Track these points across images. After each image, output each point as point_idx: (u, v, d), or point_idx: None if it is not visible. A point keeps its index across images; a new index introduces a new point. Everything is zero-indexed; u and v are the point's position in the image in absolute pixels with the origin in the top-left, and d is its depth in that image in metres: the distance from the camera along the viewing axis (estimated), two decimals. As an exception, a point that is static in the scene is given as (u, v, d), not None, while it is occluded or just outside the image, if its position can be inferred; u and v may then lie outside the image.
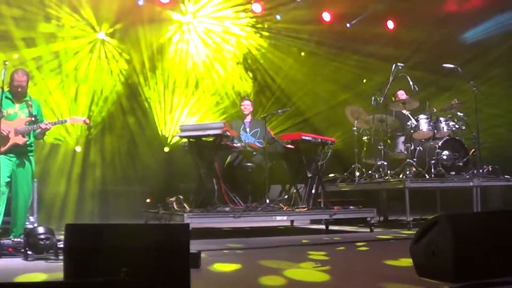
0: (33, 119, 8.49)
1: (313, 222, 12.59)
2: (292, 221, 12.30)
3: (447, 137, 11.76)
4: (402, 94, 12.60)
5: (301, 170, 10.92)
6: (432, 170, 11.38)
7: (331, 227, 11.40)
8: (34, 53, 14.66)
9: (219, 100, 17.33)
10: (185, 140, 10.49)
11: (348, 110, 12.66)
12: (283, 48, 17.70)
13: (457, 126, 11.89)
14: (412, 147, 11.87)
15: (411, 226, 10.54)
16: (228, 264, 6.41)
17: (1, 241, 7.07)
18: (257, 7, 16.50)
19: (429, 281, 4.88)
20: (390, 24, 17.20)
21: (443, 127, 11.84)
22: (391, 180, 11.49)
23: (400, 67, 12.03)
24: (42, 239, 6.89)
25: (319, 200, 11.28)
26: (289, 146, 10.79)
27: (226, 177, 10.39)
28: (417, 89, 11.78)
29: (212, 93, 17.29)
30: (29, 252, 6.84)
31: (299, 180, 11.09)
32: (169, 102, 16.87)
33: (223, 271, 6.02)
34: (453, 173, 11.53)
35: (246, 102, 11.78)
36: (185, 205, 9.93)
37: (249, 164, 10.65)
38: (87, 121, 9.06)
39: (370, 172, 12.19)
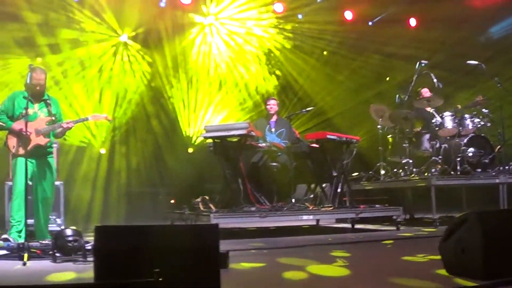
0: (53, 118, 8.47)
1: (339, 221, 12.58)
2: (317, 220, 12.30)
3: (473, 134, 11.67)
4: (426, 92, 12.53)
5: (326, 169, 10.90)
6: (458, 167, 11.30)
7: (357, 226, 11.40)
8: (58, 58, 14.78)
9: (242, 100, 17.36)
10: (210, 140, 10.47)
11: (373, 108, 12.63)
12: (305, 47, 17.66)
13: (482, 123, 11.77)
14: (437, 145, 11.81)
15: (438, 224, 10.51)
16: (253, 263, 6.43)
17: (29, 243, 7.07)
18: (279, 7, 16.47)
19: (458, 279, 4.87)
20: (413, 22, 17.11)
21: (468, 124, 11.73)
22: (417, 178, 11.45)
23: (423, 65, 11.97)
24: (70, 241, 6.90)
25: (344, 199, 11.27)
26: (314, 145, 10.77)
27: (251, 177, 10.37)
28: (441, 86, 11.72)
29: (236, 94, 17.32)
30: (58, 254, 6.83)
31: (324, 179, 11.09)
32: (193, 103, 16.93)
33: (249, 270, 6.05)
34: (479, 170, 11.44)
35: (272, 102, 11.73)
36: (211, 205, 9.94)
37: (274, 164, 10.65)
38: (109, 117, 9.07)
39: (395, 170, 12.16)
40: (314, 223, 12.26)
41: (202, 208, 9.91)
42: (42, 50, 14.47)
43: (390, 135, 12.64)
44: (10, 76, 13.52)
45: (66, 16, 14.74)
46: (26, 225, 8.09)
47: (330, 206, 10.46)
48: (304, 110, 12.40)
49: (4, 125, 8.33)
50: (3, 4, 13.54)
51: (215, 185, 12.91)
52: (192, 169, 16.29)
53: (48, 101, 8.53)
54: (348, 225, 11.65)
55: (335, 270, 5.85)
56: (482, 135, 11.79)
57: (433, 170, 11.39)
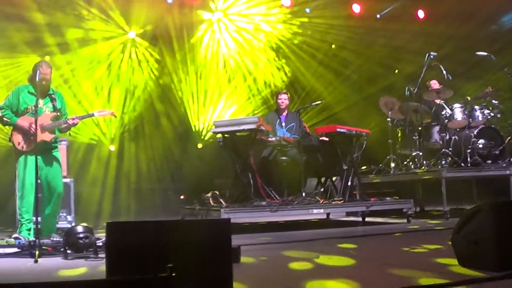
0: (58, 113, 8.36)
1: (349, 214, 12.56)
2: (328, 214, 12.28)
3: (483, 126, 11.63)
4: (435, 84, 12.49)
5: (336, 163, 10.91)
6: (468, 159, 11.29)
7: (368, 219, 11.39)
8: (67, 57, 14.84)
9: (251, 96, 17.35)
10: (219, 135, 10.47)
11: (382, 101, 12.60)
12: (313, 41, 17.63)
13: (492, 114, 11.74)
14: (447, 137, 11.78)
15: (448, 216, 10.49)
16: (265, 257, 6.44)
17: (41, 240, 7.06)
18: (286, 1, 16.42)
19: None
20: (421, 14, 17.04)
21: (478, 116, 11.69)
22: (427, 170, 11.41)
23: (432, 57, 11.93)
24: (81, 238, 6.89)
25: (354, 192, 11.25)
26: (324, 138, 10.74)
27: (261, 171, 10.37)
28: (450, 78, 11.69)
29: (244, 89, 17.32)
30: (69, 251, 6.85)
31: (335, 173, 11.08)
32: (202, 98, 16.95)
33: (260, 264, 6.06)
34: (489, 161, 11.41)
35: (284, 96, 11.68)
36: (221, 200, 9.93)
37: (284, 158, 10.64)
38: (115, 113, 8.90)
39: (405, 163, 12.12)
40: (324, 216, 12.24)
41: (212, 203, 9.91)
42: (51, 49, 14.53)
43: (399, 128, 12.61)
44: (20, 75, 13.53)
45: (74, 15, 14.76)
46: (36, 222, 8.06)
47: (341, 200, 10.44)
48: (313, 103, 12.38)
49: (8, 120, 8.22)
50: (12, 6, 13.63)
51: (225, 180, 12.91)
52: (202, 165, 16.31)
53: (53, 95, 8.39)
54: (359, 219, 11.62)
55: (340, 260, 5.99)
56: (492, 126, 11.76)
57: (443, 162, 11.36)
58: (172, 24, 16.11)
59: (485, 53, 12.18)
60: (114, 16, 15.36)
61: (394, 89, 15.22)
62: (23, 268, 6.20)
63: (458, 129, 11.88)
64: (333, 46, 17.93)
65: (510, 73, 12.05)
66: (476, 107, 11.77)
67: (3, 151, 13.45)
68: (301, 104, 15.92)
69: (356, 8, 16.74)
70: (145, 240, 4.13)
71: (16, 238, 7.76)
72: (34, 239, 7.05)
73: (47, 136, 8.25)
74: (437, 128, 12.05)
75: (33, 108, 7.92)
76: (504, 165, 11.36)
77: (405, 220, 10.53)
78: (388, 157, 12.35)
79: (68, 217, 10.69)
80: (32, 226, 8.08)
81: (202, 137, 16.97)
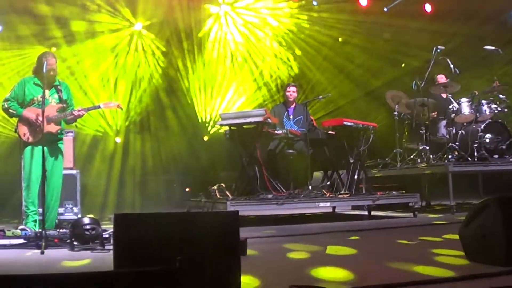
0: (64, 105, 8.33)
1: (355, 208, 12.55)
2: (334, 208, 12.26)
3: (490, 120, 11.60)
4: (441, 78, 12.48)
5: (343, 156, 10.90)
6: (475, 153, 11.26)
7: (374, 213, 11.38)
8: (73, 49, 14.84)
9: (258, 89, 17.34)
10: (226, 128, 10.46)
11: (389, 95, 12.59)
12: (320, 34, 17.59)
13: (499, 108, 11.69)
14: (454, 131, 11.76)
15: (455, 210, 10.47)
16: (271, 250, 6.48)
17: (47, 232, 7.05)
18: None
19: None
20: (428, 8, 16.97)
21: (485, 110, 11.65)
22: (434, 164, 11.39)
23: (439, 51, 11.89)
24: (87, 230, 6.90)
25: (360, 186, 11.24)
26: (331, 132, 10.73)
27: (268, 164, 10.38)
28: (458, 72, 11.66)
29: (251, 82, 17.30)
30: (75, 243, 6.85)
31: (341, 166, 11.07)
32: (209, 91, 16.95)
33: (266, 257, 6.08)
34: (496, 156, 11.38)
35: (292, 89, 11.63)
36: (227, 193, 9.92)
37: (290, 151, 10.62)
38: (121, 105, 8.87)
39: (412, 157, 12.11)
40: (330, 210, 12.22)
41: (218, 196, 9.89)
42: (57, 41, 14.56)
43: (406, 122, 12.58)
44: (27, 66, 13.53)
45: (80, 7, 14.74)
46: (43, 214, 8.05)
47: (347, 193, 10.43)
48: (321, 96, 12.38)
49: (14, 112, 8.22)
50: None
51: (231, 173, 12.92)
52: (208, 157, 16.31)
53: (59, 87, 8.35)
54: (365, 212, 11.61)
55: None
56: (499, 121, 11.72)
57: (450, 156, 11.33)
58: (178, 17, 16.07)
59: (493, 47, 12.15)
60: (120, 8, 15.35)
61: (401, 83, 15.17)
62: (29, 259, 6.22)
63: (465, 124, 11.85)
64: (340, 39, 17.87)
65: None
66: (483, 101, 11.73)
67: (8, 142, 13.50)
68: (307, 97, 15.91)
69: (363, 1, 16.66)
70: (153, 232, 4.11)
71: (22, 230, 7.74)
72: (40, 230, 7.05)
73: (52, 128, 8.23)
74: (444, 122, 12.03)
75: (39, 99, 7.97)
76: (511, 159, 11.31)
77: (411, 214, 10.51)
78: (394, 151, 12.33)
79: (74, 208, 10.70)
80: (38, 217, 8.08)
81: (209, 129, 16.96)
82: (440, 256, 5.52)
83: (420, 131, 11.97)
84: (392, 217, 10.95)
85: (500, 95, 11.81)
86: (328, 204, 10.28)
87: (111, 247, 5.65)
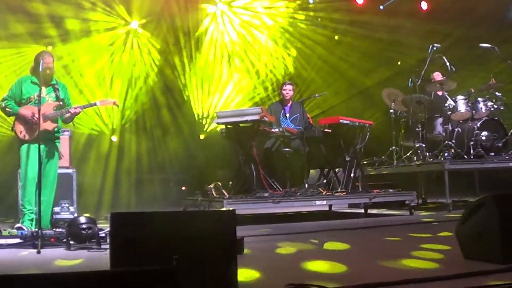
0: (61, 103, 8.36)
1: (351, 206, 12.56)
2: (330, 206, 12.25)
3: (486, 118, 11.58)
4: (438, 76, 12.48)
5: (339, 154, 10.90)
6: (471, 151, 11.26)
7: (370, 211, 11.38)
8: (69, 47, 14.82)
9: (254, 87, 17.34)
10: (222, 126, 10.46)
11: (385, 92, 12.61)
12: (316, 32, 17.59)
13: (495, 106, 11.70)
14: (450, 129, 11.74)
15: (451, 208, 10.48)
16: (268, 248, 6.48)
17: (43, 231, 7.04)
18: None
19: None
20: (424, 5, 16.97)
21: (481, 108, 11.66)
22: (430, 162, 11.40)
23: (435, 48, 11.90)
24: (84, 229, 6.90)
25: (356, 184, 11.24)
26: (327, 130, 10.74)
27: (264, 162, 10.36)
28: (454, 69, 11.67)
29: (247, 81, 17.30)
30: (72, 242, 6.84)
31: (337, 164, 11.07)
32: (206, 89, 16.93)
33: (263, 255, 6.08)
34: (493, 154, 11.37)
35: (288, 87, 11.60)
36: (223, 191, 9.91)
37: (287, 149, 10.62)
38: (117, 102, 8.87)
39: (408, 154, 12.11)
40: (326, 208, 12.22)
41: (215, 194, 9.88)
42: (53, 39, 14.53)
43: (402, 120, 12.58)
44: (24, 64, 13.52)
45: (75, 6, 14.72)
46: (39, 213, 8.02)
47: (343, 191, 10.44)
48: (317, 94, 12.39)
49: (11, 110, 8.28)
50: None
51: (227, 171, 12.92)
52: (204, 156, 16.31)
53: (56, 86, 8.43)
54: (361, 210, 11.62)
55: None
56: (495, 118, 11.71)
57: (446, 154, 11.34)
58: (174, 15, 16.07)
59: (489, 45, 12.15)
60: (115, 6, 15.34)
61: (397, 81, 15.17)
62: (25, 259, 6.21)
63: (461, 121, 11.85)
64: (336, 37, 17.87)
65: (514, 65, 12.03)
66: (480, 99, 11.75)
67: (5, 141, 13.48)
68: (303, 95, 15.92)
69: (360, -1, 16.70)
70: (149, 231, 4.11)
71: (18, 229, 7.75)
72: (37, 229, 7.04)
73: (49, 125, 8.26)
74: (440, 120, 12.02)
75: (35, 97, 8.01)
76: (507, 157, 11.31)
77: (408, 212, 10.52)
78: (390, 149, 12.34)
79: (70, 207, 10.65)
80: (34, 216, 8.07)
81: (205, 128, 16.94)
82: (430, 252, 5.56)
83: (416, 129, 11.98)
84: (388, 215, 10.96)
85: (496, 93, 11.82)
86: (324, 202, 10.26)
87: (107, 246, 5.65)
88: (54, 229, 7.77)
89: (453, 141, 11.55)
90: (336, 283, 4.18)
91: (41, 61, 7.97)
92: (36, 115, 7.76)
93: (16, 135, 8.30)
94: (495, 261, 4.67)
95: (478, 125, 11.35)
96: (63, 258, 6.02)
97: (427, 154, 11.54)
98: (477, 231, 4.95)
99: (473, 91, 11.97)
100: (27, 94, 8.29)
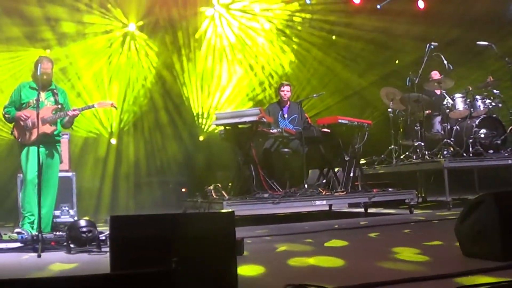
0: (59, 106, 8.38)
1: (351, 205, 12.56)
2: (330, 206, 12.26)
3: (484, 115, 11.60)
4: (435, 74, 12.49)
5: (338, 154, 10.91)
6: (470, 149, 11.27)
7: (370, 210, 11.38)
8: (66, 50, 14.82)
9: (252, 88, 17.34)
10: (221, 128, 10.46)
11: (383, 91, 12.60)
12: (313, 31, 17.60)
13: (493, 103, 11.71)
14: (449, 127, 11.75)
15: (451, 206, 10.48)
16: (267, 249, 6.50)
17: (43, 235, 7.04)
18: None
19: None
20: (421, 4, 16.98)
21: (479, 105, 11.67)
22: (429, 160, 11.40)
23: (433, 47, 11.90)
24: (84, 232, 6.89)
25: (356, 183, 11.24)
26: (326, 130, 10.74)
27: (263, 163, 10.36)
28: (451, 68, 11.66)
29: (246, 81, 17.30)
30: (72, 245, 6.85)
31: (337, 164, 11.07)
32: (206, 91, 16.94)
33: (263, 256, 6.05)
34: (491, 151, 11.38)
35: (286, 88, 11.62)
36: (223, 193, 9.92)
37: (286, 149, 10.62)
38: (115, 104, 8.87)
39: (407, 153, 12.12)
40: (326, 208, 12.23)
41: (214, 196, 9.88)
42: (50, 42, 14.53)
43: (401, 118, 12.59)
44: (22, 68, 13.54)
45: (72, 8, 14.72)
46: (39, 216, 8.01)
47: (343, 191, 10.44)
48: (315, 95, 12.40)
49: (9, 116, 8.35)
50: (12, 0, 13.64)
51: (227, 173, 12.92)
52: (203, 157, 16.31)
53: (55, 90, 8.47)
54: (361, 210, 11.62)
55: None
56: (494, 116, 11.72)
57: (445, 152, 11.34)
58: (172, 18, 16.08)
59: (486, 43, 12.14)
60: (112, 9, 15.35)
61: (395, 79, 15.18)
62: (26, 262, 6.21)
63: (459, 119, 11.87)
64: (333, 37, 17.88)
65: (511, 63, 12.02)
66: (478, 97, 11.74)
67: (4, 145, 13.49)
68: (301, 96, 15.93)
69: (357, -1, 16.72)
70: (149, 233, 4.11)
71: (19, 233, 7.74)
72: (37, 233, 7.04)
73: (47, 128, 8.27)
74: (438, 118, 12.03)
75: (34, 102, 8.00)
76: (506, 154, 11.32)
77: (408, 211, 10.53)
78: (389, 147, 12.34)
79: (70, 211, 10.65)
80: (34, 219, 8.07)
81: (204, 130, 16.94)
82: (429, 250, 5.58)
83: (415, 128, 12.00)
84: (388, 214, 10.96)
85: (494, 90, 11.82)
86: (324, 202, 10.27)
87: (107, 249, 5.66)
88: (54, 233, 7.76)
89: (451, 139, 11.56)
90: (335, 282, 4.18)
91: (39, 65, 8.05)
92: (33, 118, 7.79)
93: (16, 139, 8.35)
94: (494, 259, 4.66)
95: (477, 122, 11.35)
96: (64, 262, 6.01)
97: (426, 152, 11.54)
98: (476, 228, 4.95)
99: (471, 89, 11.98)
100: (26, 99, 8.33)
